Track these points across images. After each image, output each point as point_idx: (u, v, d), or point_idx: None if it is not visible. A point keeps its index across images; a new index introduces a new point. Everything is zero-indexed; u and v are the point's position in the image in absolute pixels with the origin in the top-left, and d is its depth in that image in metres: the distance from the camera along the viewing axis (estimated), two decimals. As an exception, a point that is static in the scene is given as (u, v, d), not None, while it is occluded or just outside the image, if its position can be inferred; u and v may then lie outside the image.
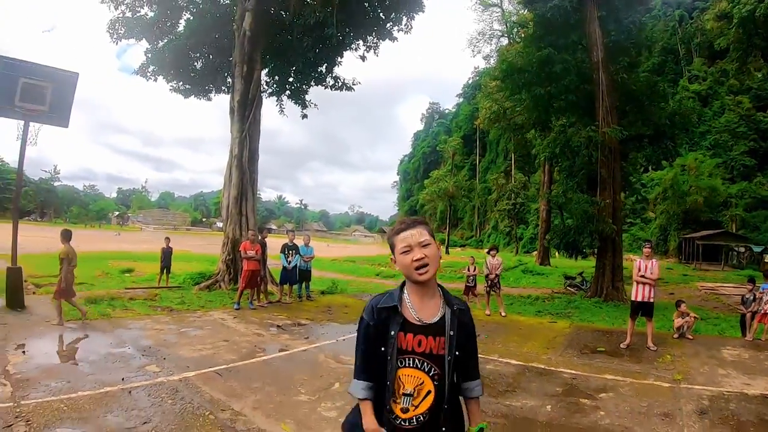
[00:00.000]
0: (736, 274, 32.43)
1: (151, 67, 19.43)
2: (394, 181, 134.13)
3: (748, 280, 11.27)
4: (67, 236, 9.84)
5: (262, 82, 18.87)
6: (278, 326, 10.24)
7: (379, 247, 72.04)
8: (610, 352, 8.74)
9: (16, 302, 10.27)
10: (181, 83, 20.30)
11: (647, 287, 9.00)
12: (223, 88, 20.33)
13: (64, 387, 5.72)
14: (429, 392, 2.17)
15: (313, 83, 20.90)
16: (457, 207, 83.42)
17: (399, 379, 2.17)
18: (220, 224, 17.22)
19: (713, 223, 48.88)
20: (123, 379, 6.13)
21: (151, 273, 17.45)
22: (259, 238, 13.57)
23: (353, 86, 21.01)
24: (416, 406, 2.17)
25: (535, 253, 40.74)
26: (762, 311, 10.03)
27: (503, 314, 12.52)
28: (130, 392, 5.68)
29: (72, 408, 5.09)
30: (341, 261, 35.06)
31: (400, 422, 2.17)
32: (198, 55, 19.84)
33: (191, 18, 18.78)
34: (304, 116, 21.57)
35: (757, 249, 42.44)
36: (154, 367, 6.77)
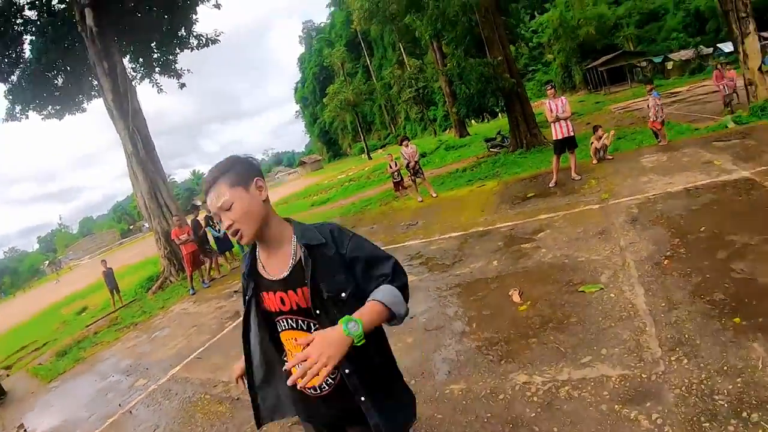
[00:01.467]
0: (644, 89, 33.97)
1: (17, 107, 18.08)
2: (296, 111, 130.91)
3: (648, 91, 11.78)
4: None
5: (128, 69, 17.83)
6: (235, 291, 10.43)
7: (305, 179, 71.72)
8: (539, 194, 9.44)
9: None
10: (50, 107, 18.91)
11: (564, 123, 9.57)
12: (93, 93, 19.12)
13: None
14: None
15: (177, 50, 19.88)
16: (365, 113, 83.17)
17: (284, 347, 1.91)
18: (147, 225, 16.81)
19: (610, 48, 50.34)
20: (120, 404, 6.30)
21: (104, 301, 17.05)
22: (188, 221, 13.45)
23: (218, 38, 20.07)
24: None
25: (452, 129, 41.52)
26: (660, 117, 10.80)
27: (434, 195, 13.07)
28: (131, 412, 5.89)
29: None
30: (274, 205, 34.94)
31: (310, 391, 1.84)
32: (55, 72, 18.37)
33: (34, 39, 17.29)
34: (182, 85, 20.63)
35: (657, 60, 44.56)
36: (141, 381, 6.95)
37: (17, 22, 16.71)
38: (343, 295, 1.70)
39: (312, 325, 1.77)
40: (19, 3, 16.50)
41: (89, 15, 14.82)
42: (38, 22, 17.01)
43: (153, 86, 20.49)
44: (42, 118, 19.07)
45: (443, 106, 60.61)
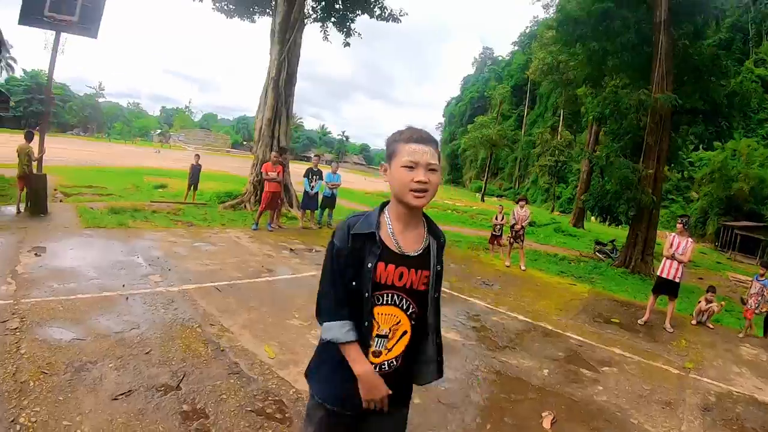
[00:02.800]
0: (757, 269, 31.18)
1: None
2: (439, 123, 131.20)
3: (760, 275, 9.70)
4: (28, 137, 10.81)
5: (308, 6, 18.19)
6: (291, 249, 10.25)
7: (416, 186, 71.29)
8: (624, 324, 8.36)
9: (39, 208, 10.54)
10: (224, 2, 19.60)
11: (676, 265, 8.51)
12: (268, 10, 19.55)
13: (66, 289, 5.83)
14: (405, 333, 1.92)
15: (359, 12, 19.99)
16: (499, 156, 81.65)
17: (374, 319, 1.88)
18: (254, 149, 17.16)
19: (756, 215, 45.81)
20: (123, 285, 6.23)
21: (180, 190, 17.64)
22: (281, 159, 13.40)
23: (400, 17, 19.94)
24: (389, 349, 1.91)
25: (571, 214, 39.96)
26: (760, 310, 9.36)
27: (523, 268, 12.19)
28: (127, 299, 5.78)
29: (67, 309, 5.19)
30: (375, 195, 34.85)
31: (375, 366, 1.90)
32: None
33: None
34: (347, 44, 20.83)
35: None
36: (156, 277, 6.84)
37: None
38: (436, 295, 1.98)
39: (412, 306, 1.90)
40: None
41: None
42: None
43: (321, 31, 20.72)
44: (212, 8, 19.64)
45: (573, 189, 58.60)
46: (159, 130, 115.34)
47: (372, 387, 1.84)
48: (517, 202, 12.97)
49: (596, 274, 13.88)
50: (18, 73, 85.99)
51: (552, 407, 4.53)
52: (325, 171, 14.08)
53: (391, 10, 19.73)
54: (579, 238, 25.19)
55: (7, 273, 6.17)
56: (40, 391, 3.51)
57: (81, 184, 16.73)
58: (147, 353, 4.40)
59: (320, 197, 13.94)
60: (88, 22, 10.85)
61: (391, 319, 1.88)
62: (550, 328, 7.36)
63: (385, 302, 1.87)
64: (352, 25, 20.54)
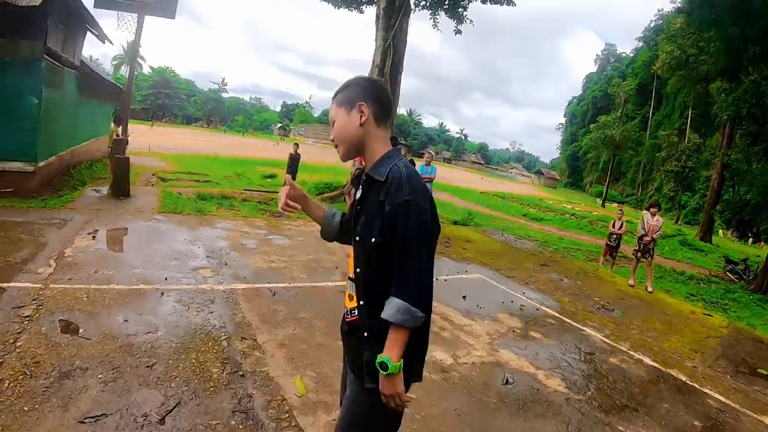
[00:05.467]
0: None
1: None
2: (559, 123, 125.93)
3: None
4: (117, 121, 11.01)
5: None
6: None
7: (535, 189, 69.27)
8: None
9: (120, 190, 10.52)
10: None
11: None
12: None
13: (102, 277, 5.31)
14: (360, 279, 1.77)
15: (473, -4, 18.68)
16: (622, 160, 76.65)
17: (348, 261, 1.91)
18: None
19: None
20: (166, 278, 5.55)
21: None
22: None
23: (514, 1, 18.33)
24: (352, 297, 1.82)
25: (698, 226, 36.14)
26: None
27: (649, 290, 10.06)
28: (162, 294, 5.07)
29: (92, 300, 4.66)
30: (490, 195, 33.63)
31: (345, 314, 1.90)
32: None
33: None
34: (458, 32, 19.27)
35: None
36: (207, 272, 6.06)
37: None
38: (373, 240, 1.69)
39: (358, 252, 1.78)
40: None
41: None
42: None
43: (431, 19, 19.34)
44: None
45: (699, 199, 53.43)
46: (279, 124, 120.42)
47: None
48: (648, 209, 10.75)
49: (729, 299, 11.73)
50: (146, 70, 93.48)
51: None
52: (419, 163, 12.80)
53: (503, -6, 18.21)
54: (706, 254, 22.20)
55: (53, 255, 5.80)
56: (10, 395, 3.00)
57: (183, 171, 16.85)
58: (149, 366, 3.58)
59: None
60: (164, 3, 10.84)
61: (350, 263, 1.86)
62: (683, 379, 5.40)
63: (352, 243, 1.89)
64: (465, 13, 19.04)
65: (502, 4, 18.21)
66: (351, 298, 1.82)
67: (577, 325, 6.63)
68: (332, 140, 1.88)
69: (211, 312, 4.75)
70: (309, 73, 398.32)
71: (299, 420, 3.21)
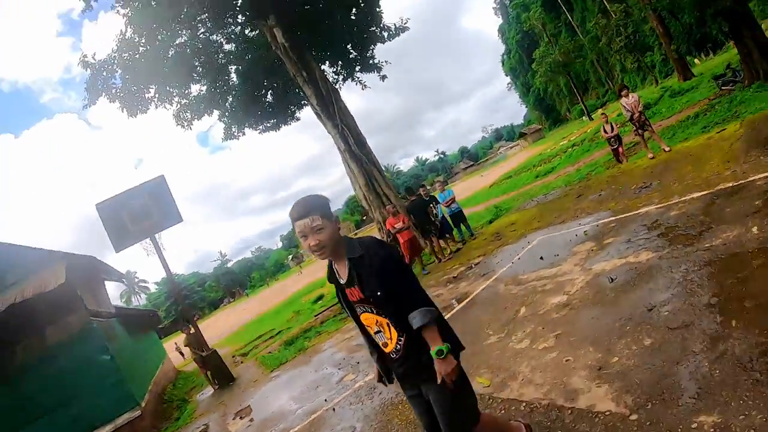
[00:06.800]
0: None
1: (233, 127, 20.61)
2: (507, 84, 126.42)
3: None
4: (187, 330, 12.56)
5: (329, 74, 18.92)
6: (454, 278, 9.93)
7: (527, 151, 69.51)
8: None
9: (225, 378, 11.34)
10: (265, 123, 21.21)
11: None
12: (302, 102, 20.63)
13: (280, 428, 6.12)
14: (388, 324, 2.43)
15: (372, 46, 20.36)
16: (578, 72, 77.48)
17: (366, 325, 2.57)
18: (372, 215, 17.78)
19: None
20: (326, 400, 6.34)
21: (333, 291, 18.05)
22: (397, 209, 13.42)
23: (406, 26, 20.07)
24: (390, 338, 2.46)
25: (674, 73, 36.64)
26: None
27: (666, 149, 10.98)
28: (334, 409, 5.84)
29: None
30: (499, 183, 34.16)
31: (391, 355, 2.52)
32: (263, 90, 20.46)
33: (238, 68, 19.49)
34: (383, 77, 21.10)
35: None
36: (350, 376, 6.90)
37: (220, 57, 18.96)
38: (379, 294, 2.35)
39: (371, 307, 2.45)
40: (219, 41, 18.87)
41: (279, 34, 15.81)
42: (237, 51, 19.16)
43: (357, 84, 21.21)
44: (259, 133, 21.53)
45: (659, 50, 53.32)
46: (290, 256, 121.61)
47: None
48: (619, 95, 11.87)
49: (736, 105, 12.40)
50: (153, 288, 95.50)
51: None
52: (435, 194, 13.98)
53: (395, 24, 20.03)
54: (697, 88, 22.78)
55: None
56: None
57: (250, 339, 17.86)
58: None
59: (449, 219, 13.84)
60: (167, 213, 11.85)
61: (371, 320, 2.50)
62: (730, 185, 6.36)
63: (361, 312, 2.54)
64: (376, 61, 20.95)
65: (398, 35, 19.96)
66: (385, 345, 2.50)
67: (633, 213, 7.51)
68: (317, 244, 2.30)
69: (380, 393, 5.50)
70: (281, 198, 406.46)
71: (500, 396, 4.05)
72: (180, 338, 32.63)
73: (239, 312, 48.67)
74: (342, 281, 2.48)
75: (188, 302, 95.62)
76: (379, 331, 2.49)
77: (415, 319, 2.32)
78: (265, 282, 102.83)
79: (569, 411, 3.31)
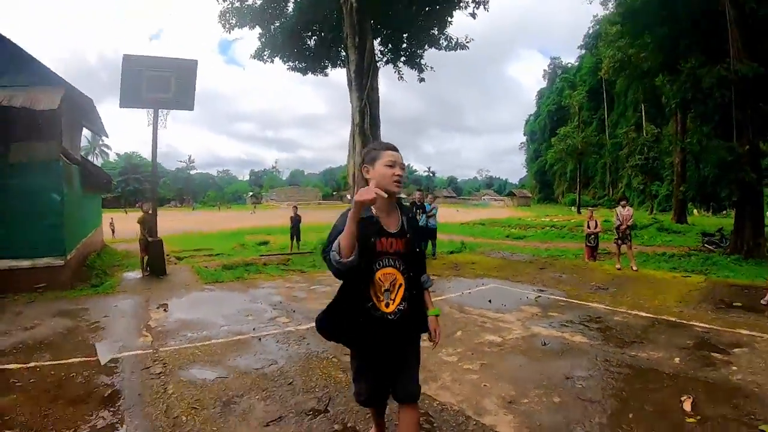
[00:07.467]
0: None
1: (266, 51, 20.35)
2: (521, 143, 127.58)
3: None
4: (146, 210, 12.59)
5: (377, 51, 18.89)
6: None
7: (510, 210, 70.55)
8: (748, 307, 7.83)
9: (159, 270, 11.64)
10: (297, 62, 21.12)
11: None
12: (339, 61, 20.78)
13: (199, 336, 6.34)
14: (401, 285, 2.61)
15: (426, 46, 20.63)
16: (588, 165, 79.14)
17: (379, 280, 2.57)
18: (350, 196, 18.14)
19: None
20: (254, 329, 6.68)
21: (284, 243, 18.70)
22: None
23: (467, 45, 20.33)
24: (394, 300, 2.59)
25: (671, 211, 38.04)
26: None
27: (634, 268, 11.72)
28: (260, 339, 6.19)
29: (205, 353, 5.63)
30: (471, 224, 34.88)
31: (387, 316, 2.59)
32: (310, 33, 20.40)
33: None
34: (422, 80, 21.48)
35: None
36: (283, 319, 7.29)
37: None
38: (418, 250, 2.79)
39: (401, 264, 2.62)
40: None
41: (353, -11, 15.78)
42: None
43: (395, 72, 21.53)
44: (287, 68, 21.36)
45: (669, 185, 55.22)
46: (251, 193, 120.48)
47: (361, 193, 2.22)
48: (618, 203, 12.69)
49: (709, 265, 13.23)
50: (112, 158, 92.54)
51: (689, 391, 4.39)
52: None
53: (458, 39, 20.20)
54: (684, 234, 23.92)
55: (142, 327, 6.88)
56: (193, 424, 3.76)
57: (189, 248, 18.04)
58: (290, 384, 4.64)
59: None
60: (182, 97, 11.93)
61: (389, 277, 2.59)
62: (673, 319, 7.07)
63: (384, 265, 2.58)
64: (422, 60, 21.19)
65: (456, 50, 20.07)
66: (387, 305, 2.58)
67: (583, 303, 8.27)
68: (401, 176, 2.56)
69: (308, 344, 5.90)
70: (268, 138, 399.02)
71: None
72: (116, 215, 32.78)
73: (181, 219, 48.45)
74: (390, 230, 2.59)
75: (138, 187, 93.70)
76: (388, 290, 2.59)
77: (426, 281, 2.84)
78: (217, 205, 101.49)
79: (474, 422, 3.78)
